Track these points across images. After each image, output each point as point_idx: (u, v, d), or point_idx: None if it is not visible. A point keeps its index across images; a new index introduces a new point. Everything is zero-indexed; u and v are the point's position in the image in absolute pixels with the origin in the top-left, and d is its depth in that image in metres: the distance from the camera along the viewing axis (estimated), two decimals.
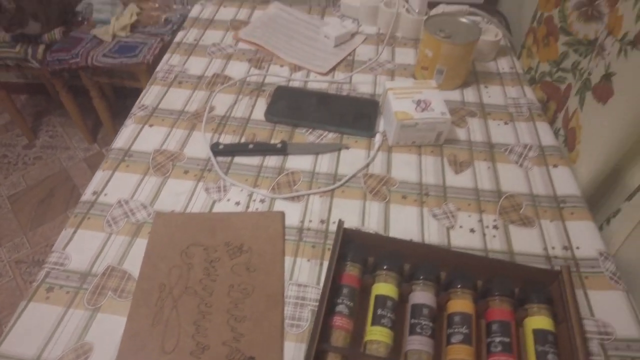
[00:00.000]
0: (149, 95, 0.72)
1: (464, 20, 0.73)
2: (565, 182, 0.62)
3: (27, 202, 1.62)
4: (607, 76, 0.56)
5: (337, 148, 0.65)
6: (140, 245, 0.53)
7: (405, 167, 0.63)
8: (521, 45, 0.88)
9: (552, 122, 0.74)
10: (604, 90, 0.57)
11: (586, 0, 0.67)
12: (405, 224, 0.56)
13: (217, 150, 0.62)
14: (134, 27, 1.48)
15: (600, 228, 0.59)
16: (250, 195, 0.59)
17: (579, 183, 0.62)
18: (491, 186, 0.61)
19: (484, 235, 0.55)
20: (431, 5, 0.84)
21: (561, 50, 0.73)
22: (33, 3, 1.41)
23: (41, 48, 1.44)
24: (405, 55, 0.82)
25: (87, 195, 0.59)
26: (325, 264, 0.51)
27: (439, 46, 0.68)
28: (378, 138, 0.66)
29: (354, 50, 0.82)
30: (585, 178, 0.62)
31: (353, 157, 0.64)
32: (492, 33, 0.81)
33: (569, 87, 0.73)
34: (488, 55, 0.81)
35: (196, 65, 0.79)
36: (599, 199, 0.65)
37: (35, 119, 1.93)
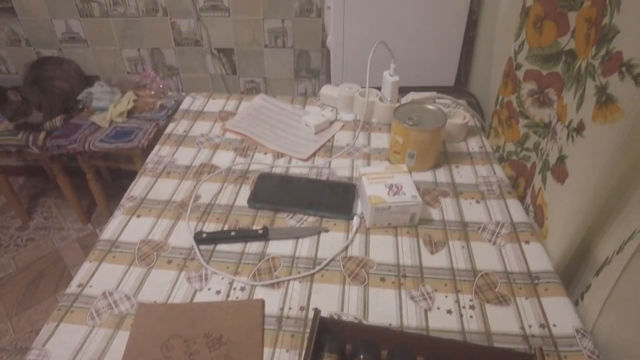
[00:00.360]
0: (138, 187, 0.76)
1: (431, 107, 0.80)
2: (537, 258, 0.64)
3: (14, 284, 1.60)
4: (561, 159, 0.61)
5: (316, 231, 0.67)
6: (122, 338, 0.54)
7: (382, 248, 0.65)
8: (489, 125, 0.95)
9: (523, 198, 0.77)
10: (560, 172, 0.62)
11: (537, 88, 0.74)
12: (384, 307, 0.57)
13: (201, 239, 0.65)
14: (130, 113, 1.58)
15: (576, 303, 0.60)
16: (231, 284, 0.60)
17: (551, 258, 0.64)
18: (466, 265, 0.63)
19: (461, 316, 0.56)
20: (403, 92, 0.91)
21: (522, 132, 0.79)
22: (38, 95, 1.50)
23: (42, 135, 1.51)
24: (380, 140, 0.88)
25: (72, 287, 0.60)
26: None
27: (408, 133, 0.74)
28: (356, 220, 0.69)
29: (333, 136, 0.88)
30: (556, 253, 0.64)
31: (332, 240, 0.66)
32: (460, 116, 0.88)
33: (533, 165, 0.78)
34: (458, 137, 0.87)
35: (185, 156, 0.83)
36: (573, 274, 0.66)
37: (31, 200, 1.97)
